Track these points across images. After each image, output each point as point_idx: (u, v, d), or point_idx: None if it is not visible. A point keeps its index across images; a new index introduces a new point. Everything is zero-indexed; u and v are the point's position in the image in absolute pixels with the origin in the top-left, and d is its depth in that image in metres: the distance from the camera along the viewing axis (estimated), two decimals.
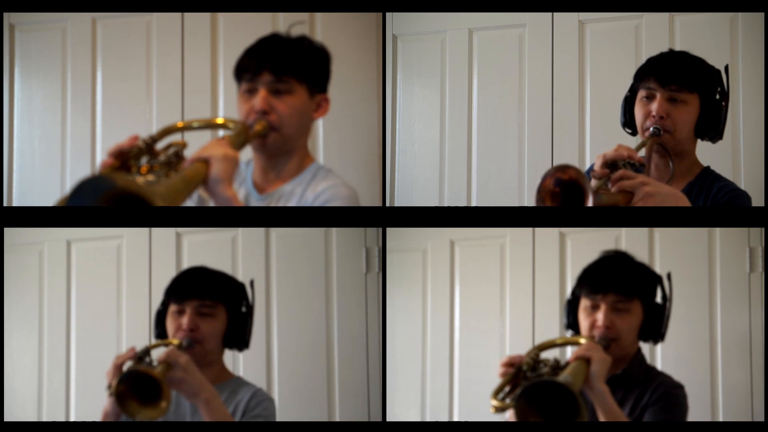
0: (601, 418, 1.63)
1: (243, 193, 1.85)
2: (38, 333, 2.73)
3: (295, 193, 1.80)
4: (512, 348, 2.69)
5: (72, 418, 2.68)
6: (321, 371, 2.62)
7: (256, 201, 1.82)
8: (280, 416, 2.16)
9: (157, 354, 1.78)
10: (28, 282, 2.74)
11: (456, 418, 2.73)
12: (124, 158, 1.61)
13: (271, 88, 1.76)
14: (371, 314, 2.62)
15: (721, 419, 2.45)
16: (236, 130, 1.73)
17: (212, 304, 1.93)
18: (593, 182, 1.78)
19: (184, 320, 1.91)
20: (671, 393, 1.77)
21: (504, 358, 1.67)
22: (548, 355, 1.70)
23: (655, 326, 1.79)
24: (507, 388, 1.65)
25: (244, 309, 1.98)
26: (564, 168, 1.66)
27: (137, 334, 2.67)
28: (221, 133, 1.82)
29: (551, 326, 2.65)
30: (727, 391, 2.47)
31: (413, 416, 2.77)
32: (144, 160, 1.62)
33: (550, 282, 2.67)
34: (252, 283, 2.01)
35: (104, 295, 2.72)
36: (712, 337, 2.50)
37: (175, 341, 1.88)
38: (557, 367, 1.64)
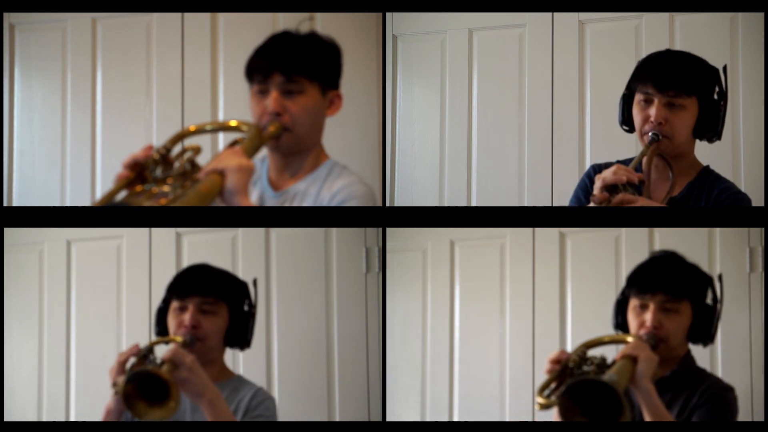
0: (647, 418, 1.61)
1: (258, 190, 1.84)
2: (38, 333, 2.73)
3: (309, 193, 1.79)
4: (512, 348, 2.69)
5: (72, 418, 2.68)
6: (321, 371, 2.62)
7: (271, 198, 1.82)
8: (281, 416, 2.16)
9: (161, 351, 1.78)
10: (28, 282, 2.74)
11: (456, 418, 2.73)
12: (139, 169, 1.62)
13: (282, 89, 1.75)
14: (371, 314, 2.62)
15: None
16: (249, 135, 1.72)
17: (214, 301, 1.93)
18: (593, 206, 1.79)
19: (186, 317, 1.90)
20: (720, 395, 1.74)
21: (551, 355, 1.67)
22: (595, 352, 1.68)
23: (704, 328, 1.77)
24: (553, 386, 1.64)
25: (246, 308, 1.98)
26: None
27: (137, 334, 2.67)
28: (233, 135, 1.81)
29: (551, 326, 2.65)
30: None
31: (413, 416, 2.77)
32: (159, 170, 1.62)
33: (550, 282, 2.67)
34: (255, 282, 2.01)
35: (104, 295, 2.72)
36: None
37: (179, 339, 1.87)
38: (604, 365, 1.63)
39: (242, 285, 2.01)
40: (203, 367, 1.78)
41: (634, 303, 1.78)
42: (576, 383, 1.56)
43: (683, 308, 1.76)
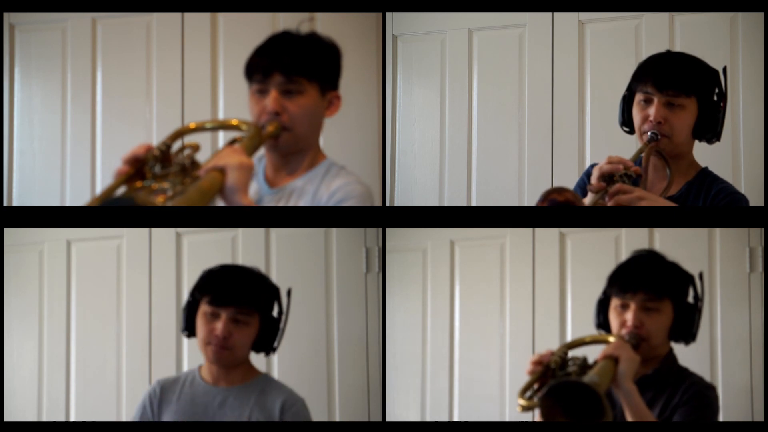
0: (629, 418, 1.62)
1: (254, 187, 1.84)
2: (38, 333, 2.73)
3: (307, 190, 1.79)
4: (512, 348, 2.69)
5: (72, 418, 2.68)
6: (321, 371, 2.62)
7: (267, 195, 1.82)
8: None
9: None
10: (28, 282, 2.74)
11: (456, 418, 2.73)
12: (139, 166, 1.62)
13: (282, 89, 1.75)
14: (371, 314, 2.62)
15: (721, 419, 2.45)
16: (249, 134, 1.73)
17: (248, 311, 1.91)
18: (590, 196, 1.79)
19: (219, 326, 1.88)
20: (702, 394, 1.75)
21: (533, 356, 1.68)
22: (577, 353, 1.69)
23: (686, 326, 1.77)
24: (535, 387, 1.64)
25: (275, 314, 1.97)
26: (560, 190, 1.67)
27: (137, 334, 2.68)
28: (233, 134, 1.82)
29: (551, 326, 2.65)
30: (727, 391, 2.46)
31: (413, 416, 2.77)
32: (158, 167, 1.62)
33: (550, 282, 2.67)
34: (289, 292, 1.99)
35: (104, 295, 2.71)
36: (712, 337, 2.50)
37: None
38: (585, 365, 1.64)
39: (275, 290, 1.99)
40: (229, 371, 1.76)
41: (615, 302, 1.79)
42: (557, 385, 1.56)
43: (664, 307, 1.76)
